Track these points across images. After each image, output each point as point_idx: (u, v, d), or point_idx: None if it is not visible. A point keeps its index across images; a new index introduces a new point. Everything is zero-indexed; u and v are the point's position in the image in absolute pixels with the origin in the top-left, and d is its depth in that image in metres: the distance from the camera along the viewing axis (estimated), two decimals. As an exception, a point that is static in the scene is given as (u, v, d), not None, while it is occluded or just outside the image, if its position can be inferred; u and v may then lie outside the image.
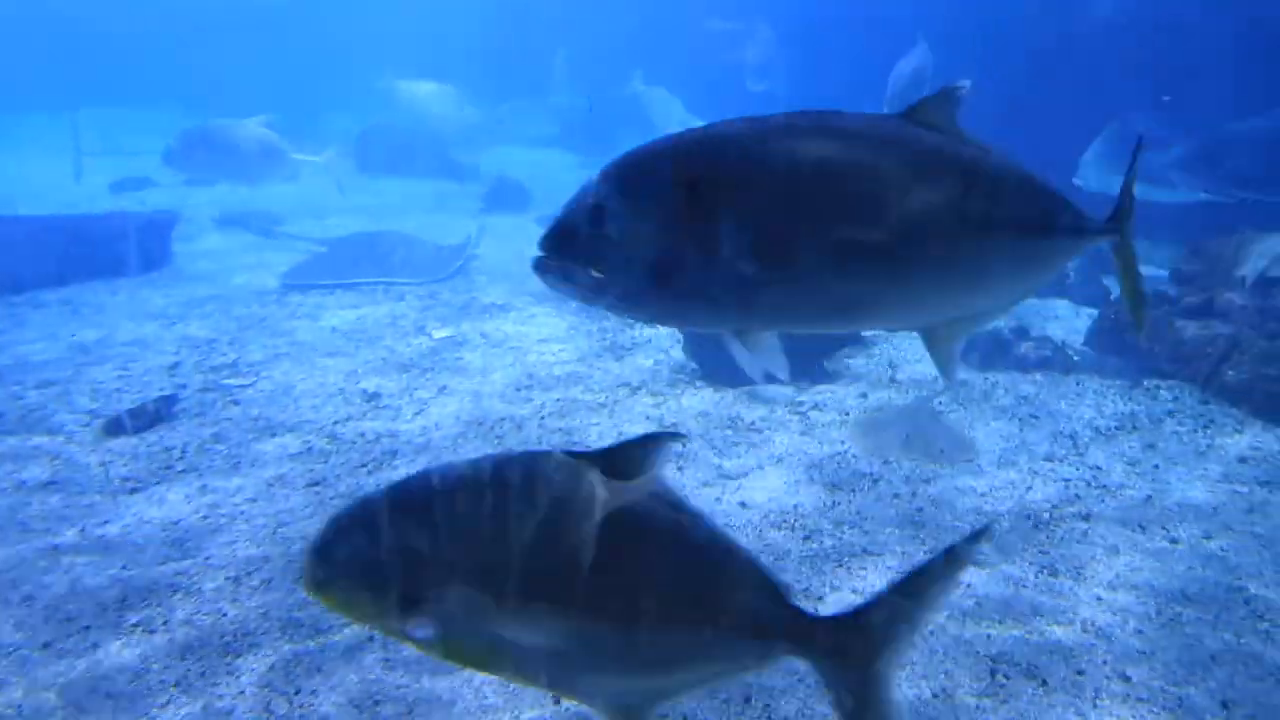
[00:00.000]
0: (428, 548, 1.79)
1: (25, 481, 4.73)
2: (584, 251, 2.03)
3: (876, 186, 2.07)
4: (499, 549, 1.78)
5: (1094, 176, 7.83)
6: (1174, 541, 4.27)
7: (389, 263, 8.71)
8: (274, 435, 5.37)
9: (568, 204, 2.08)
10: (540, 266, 2.09)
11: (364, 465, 4.98)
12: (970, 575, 3.94)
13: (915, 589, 1.84)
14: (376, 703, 3.15)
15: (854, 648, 1.81)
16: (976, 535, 1.89)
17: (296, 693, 3.19)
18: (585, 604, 1.80)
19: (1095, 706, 3.19)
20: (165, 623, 3.57)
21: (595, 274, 2.03)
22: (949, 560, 1.84)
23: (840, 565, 4.02)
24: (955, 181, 2.16)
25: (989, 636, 3.54)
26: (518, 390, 6.10)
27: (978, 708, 3.17)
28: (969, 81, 2.21)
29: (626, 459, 1.84)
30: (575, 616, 1.80)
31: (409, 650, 3.28)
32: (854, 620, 1.83)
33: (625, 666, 1.88)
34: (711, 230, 1.99)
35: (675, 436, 1.96)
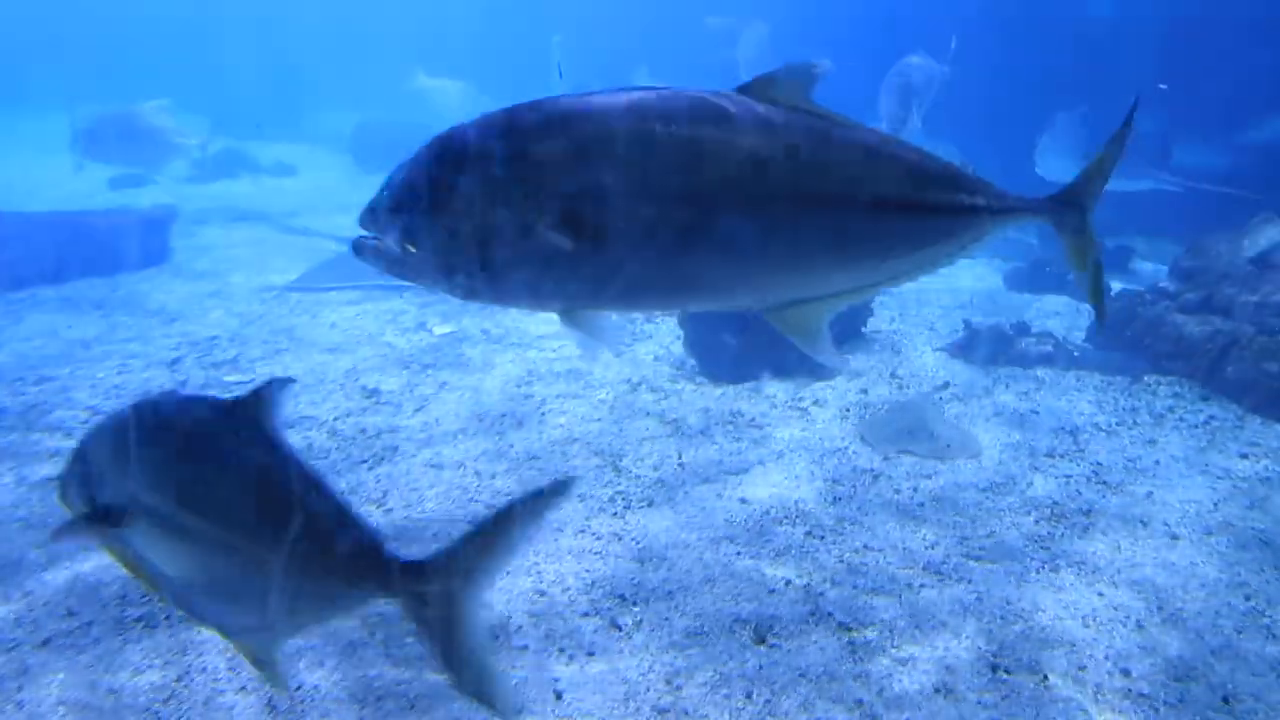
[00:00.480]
0: (97, 473, 2.10)
1: (25, 478, 4.73)
2: (402, 229, 2.00)
3: (692, 162, 2.00)
4: (127, 479, 2.04)
5: (1052, 165, 7.76)
6: (1175, 538, 4.27)
7: None
8: (274, 431, 5.36)
9: (386, 181, 2.05)
10: (358, 246, 2.08)
11: (364, 461, 4.98)
12: (973, 573, 3.95)
13: (495, 534, 1.92)
14: (379, 698, 3.14)
15: (435, 590, 1.91)
16: (559, 487, 1.98)
17: (298, 688, 3.19)
18: (198, 539, 2.01)
19: (1096, 700, 3.19)
20: (167, 619, 3.56)
21: (413, 250, 2.00)
22: (529, 508, 1.94)
23: (841, 561, 4.02)
24: (784, 157, 2.06)
25: (990, 632, 3.54)
26: (518, 386, 6.10)
27: (979, 702, 3.17)
28: (828, 61, 2.12)
29: (247, 405, 2.03)
30: (188, 551, 2.03)
31: (412, 647, 3.28)
32: (435, 564, 1.93)
33: (234, 601, 2.06)
34: (527, 206, 1.95)
35: (287, 381, 2.11)
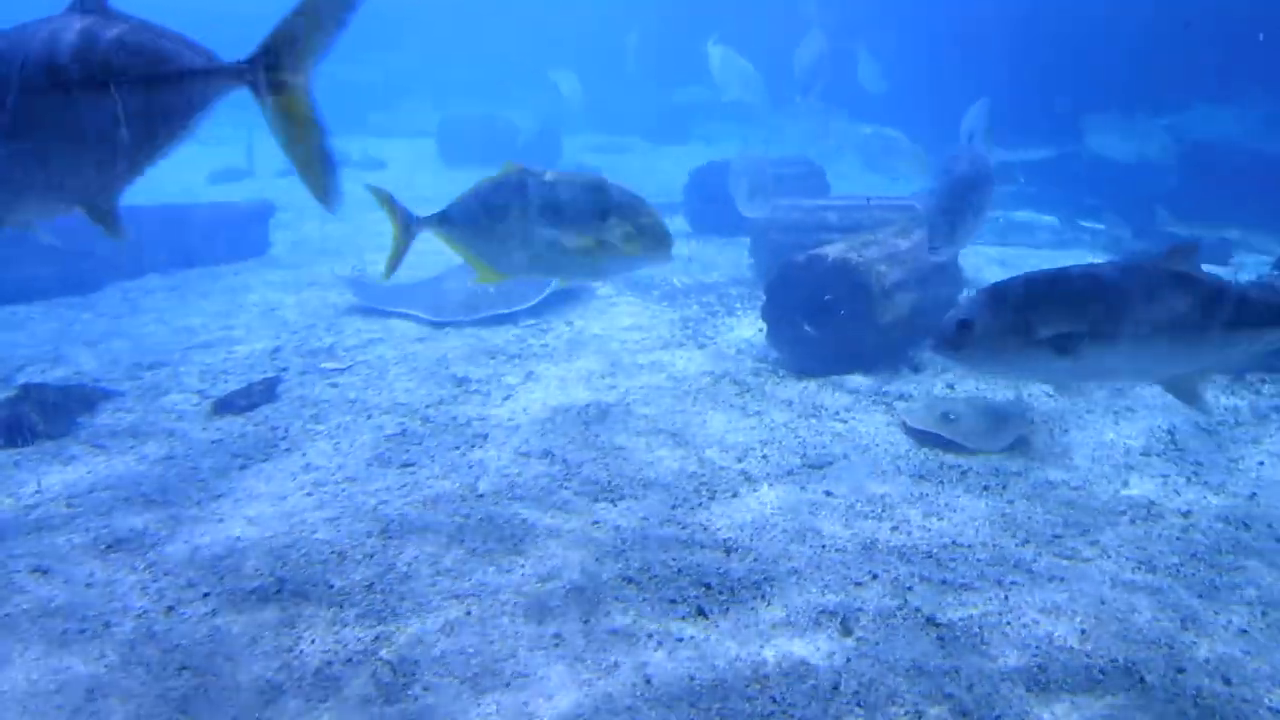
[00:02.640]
0: None
1: (146, 456, 5.03)
2: None
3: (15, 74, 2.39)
4: None
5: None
6: (1281, 542, 4.13)
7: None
8: (370, 417, 5.58)
9: None
10: None
11: (457, 447, 5.14)
12: (1066, 572, 3.89)
13: None
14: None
15: None
16: None
17: (405, 685, 3.34)
18: None
19: None
20: (278, 592, 3.77)
21: None
22: None
23: (929, 557, 4.00)
24: (53, 52, 2.39)
25: (1084, 631, 3.49)
26: (602, 377, 6.20)
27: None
28: None
29: None
30: None
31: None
32: None
33: None
34: None
35: None
